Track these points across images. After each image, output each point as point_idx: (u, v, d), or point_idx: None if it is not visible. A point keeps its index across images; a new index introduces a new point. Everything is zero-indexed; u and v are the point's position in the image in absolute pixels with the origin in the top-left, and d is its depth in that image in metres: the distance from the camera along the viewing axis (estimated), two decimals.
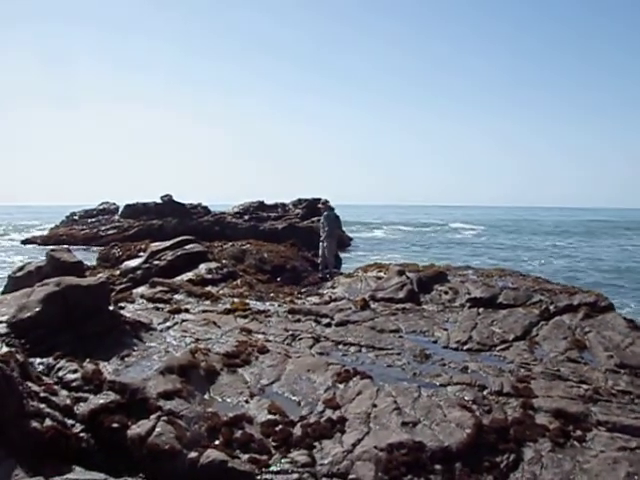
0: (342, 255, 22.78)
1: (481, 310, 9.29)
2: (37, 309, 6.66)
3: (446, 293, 10.22)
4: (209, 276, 11.90)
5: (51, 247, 14.30)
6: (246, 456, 4.82)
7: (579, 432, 5.27)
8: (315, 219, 35.07)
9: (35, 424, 4.83)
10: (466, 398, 5.82)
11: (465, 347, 7.72)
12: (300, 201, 38.27)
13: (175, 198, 35.78)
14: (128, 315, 7.88)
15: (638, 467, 4.73)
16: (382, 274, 11.60)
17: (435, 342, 7.95)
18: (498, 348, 7.70)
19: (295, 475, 4.60)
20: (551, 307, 9.11)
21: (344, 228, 38.31)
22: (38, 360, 6.01)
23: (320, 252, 15.03)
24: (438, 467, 4.74)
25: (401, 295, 10.10)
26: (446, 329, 8.43)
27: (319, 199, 38.64)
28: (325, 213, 15.41)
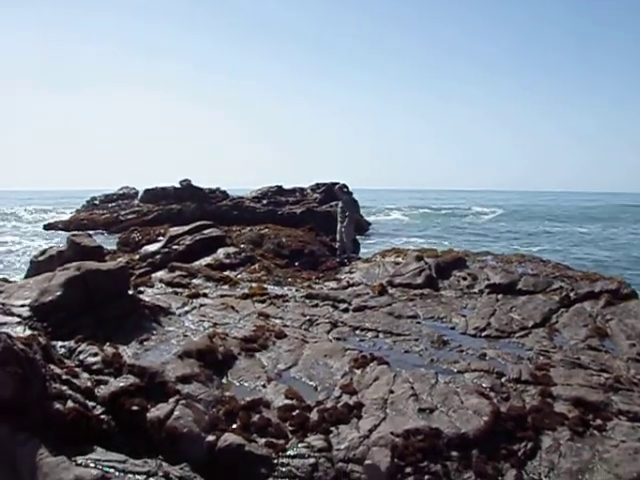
0: (360, 240, 22.68)
1: (500, 296, 9.21)
2: (58, 293, 6.76)
3: (465, 279, 10.15)
4: (227, 261, 11.98)
5: (72, 232, 14.49)
6: (263, 440, 4.85)
7: (599, 421, 5.20)
8: (333, 203, 35.00)
9: (58, 406, 4.92)
10: (484, 385, 5.79)
11: (483, 334, 7.67)
12: (318, 185, 38.11)
13: (194, 183, 35.93)
14: (147, 299, 7.98)
15: None
16: (400, 259, 11.55)
17: (453, 328, 7.91)
18: (517, 335, 7.63)
19: (311, 460, 4.63)
20: (571, 294, 8.99)
21: (362, 212, 38.20)
22: (60, 343, 6.12)
23: (338, 237, 15.01)
24: (454, 454, 4.72)
25: (419, 281, 10.06)
26: (464, 315, 8.38)
27: (337, 183, 38.52)
28: (344, 198, 15.36)
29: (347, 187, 38.56)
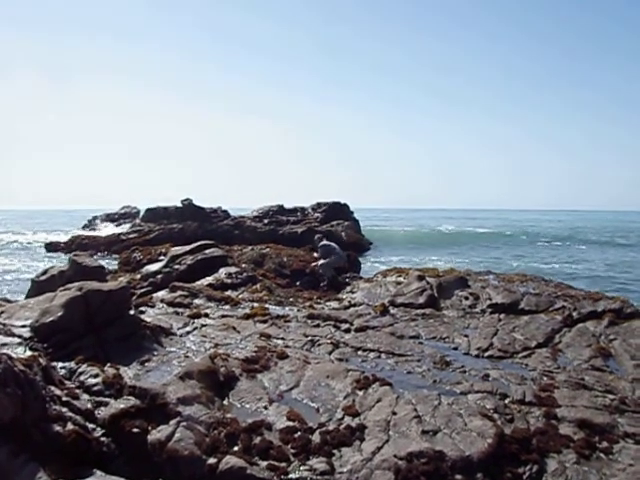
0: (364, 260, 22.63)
1: (502, 316, 9.17)
2: (59, 313, 6.75)
3: (467, 299, 10.12)
4: (229, 280, 11.97)
5: (74, 253, 14.49)
6: (265, 463, 4.79)
7: (605, 444, 5.14)
8: (334, 223, 35.08)
9: (57, 428, 4.88)
10: (487, 407, 5.73)
11: (486, 354, 7.61)
12: (319, 205, 38.27)
13: (195, 202, 36.09)
14: (148, 320, 7.95)
15: None
16: (402, 279, 11.52)
17: (455, 349, 7.86)
18: (520, 355, 7.58)
19: None
20: (574, 313, 8.96)
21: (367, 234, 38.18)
22: (60, 364, 6.09)
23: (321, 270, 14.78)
24: (459, 477, 4.66)
25: (421, 300, 10.03)
26: (467, 335, 8.33)
27: (339, 203, 38.67)
28: (320, 244, 15.21)
29: (348, 207, 38.83)
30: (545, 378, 6.64)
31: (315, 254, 15.42)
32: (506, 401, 5.92)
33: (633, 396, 6.13)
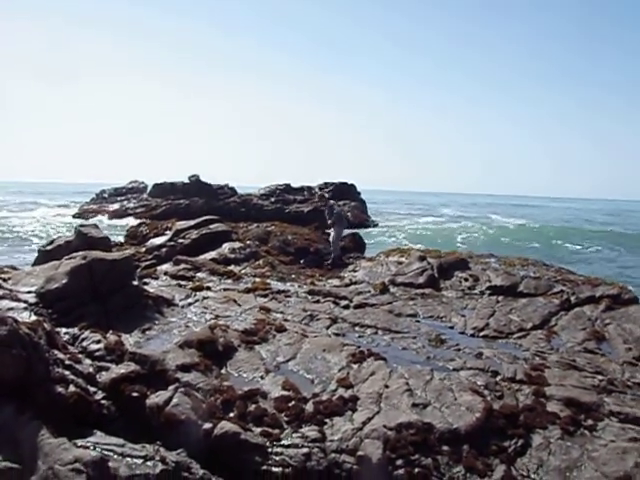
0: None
1: (500, 298, 9.27)
2: (64, 281, 6.91)
3: (466, 280, 10.21)
4: (232, 255, 12.12)
5: (80, 224, 14.68)
6: (259, 429, 4.96)
7: (590, 421, 5.27)
8: (341, 203, 35.09)
9: (60, 389, 5.06)
10: (478, 383, 5.87)
11: (481, 334, 7.74)
12: (326, 184, 38.27)
13: (202, 178, 36.14)
14: (151, 291, 8.11)
15: None
16: (403, 259, 11.61)
17: (452, 328, 7.99)
18: (515, 336, 7.70)
19: (305, 449, 4.73)
20: (572, 298, 9.04)
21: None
22: (64, 330, 6.27)
23: (332, 245, 14.82)
24: (446, 448, 4.81)
25: (421, 280, 10.13)
26: (464, 315, 8.45)
27: (345, 183, 38.65)
28: (335, 210, 15.20)
29: (355, 187, 38.79)
30: (537, 358, 6.77)
31: (329, 221, 15.12)
32: (497, 378, 6.05)
33: (622, 378, 6.25)
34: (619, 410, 5.44)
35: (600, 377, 6.15)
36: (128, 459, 4.53)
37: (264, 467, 4.67)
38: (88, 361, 5.75)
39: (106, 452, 4.53)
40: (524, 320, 8.23)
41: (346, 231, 15.50)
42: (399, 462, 4.67)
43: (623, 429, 5.16)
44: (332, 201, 16.32)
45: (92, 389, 5.33)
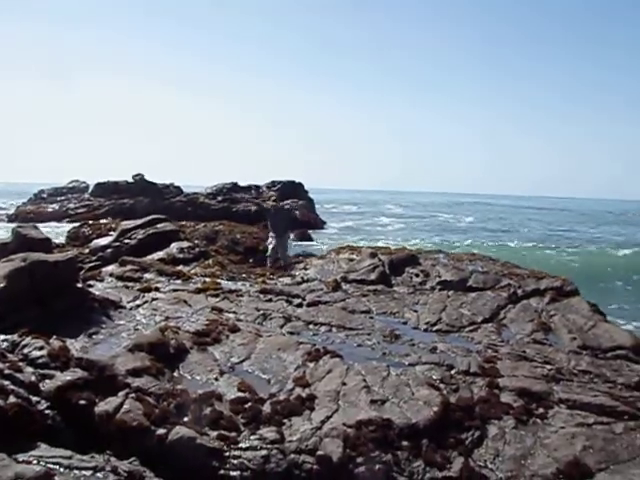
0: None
1: (451, 293, 9.43)
2: (1, 284, 6.50)
3: (417, 276, 10.34)
4: (180, 255, 11.80)
5: (17, 224, 13.94)
6: (215, 433, 4.82)
7: (541, 410, 5.43)
8: (289, 201, 34.99)
9: None
10: (434, 377, 5.93)
11: (434, 328, 7.84)
12: (274, 183, 38.11)
13: (147, 178, 35.22)
14: (97, 293, 7.77)
15: (594, 441, 4.92)
16: (354, 256, 11.65)
17: (405, 323, 8.05)
18: (466, 329, 7.85)
19: (264, 451, 4.63)
20: (519, 291, 9.31)
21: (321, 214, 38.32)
22: (2, 337, 5.89)
23: (269, 248, 14.82)
24: (405, 443, 4.83)
25: (372, 277, 10.18)
26: (416, 311, 8.54)
27: (293, 181, 38.57)
28: (273, 215, 15.22)
29: (302, 185, 38.78)
30: (489, 351, 6.92)
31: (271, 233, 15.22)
32: (452, 372, 6.14)
33: (568, 366, 6.48)
34: (567, 397, 5.63)
35: (549, 366, 6.36)
36: (76, 471, 4.31)
37: (222, 472, 4.54)
38: (30, 369, 5.41)
39: (51, 465, 4.29)
40: (475, 314, 8.40)
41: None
42: (359, 459, 4.65)
43: (571, 415, 5.35)
44: (271, 203, 16.16)
45: (35, 399, 5.02)
